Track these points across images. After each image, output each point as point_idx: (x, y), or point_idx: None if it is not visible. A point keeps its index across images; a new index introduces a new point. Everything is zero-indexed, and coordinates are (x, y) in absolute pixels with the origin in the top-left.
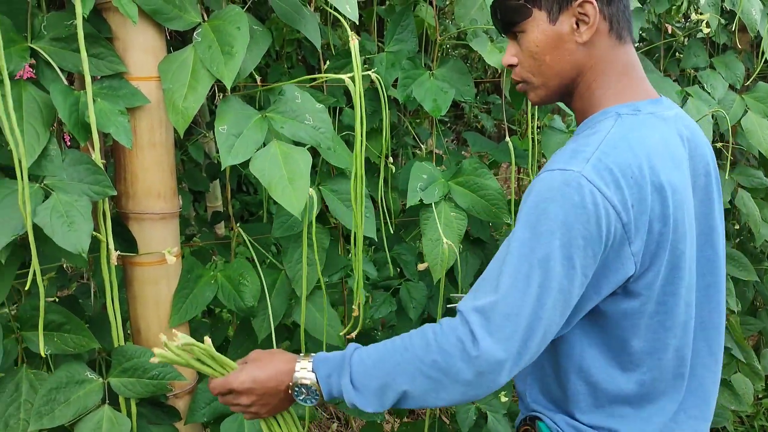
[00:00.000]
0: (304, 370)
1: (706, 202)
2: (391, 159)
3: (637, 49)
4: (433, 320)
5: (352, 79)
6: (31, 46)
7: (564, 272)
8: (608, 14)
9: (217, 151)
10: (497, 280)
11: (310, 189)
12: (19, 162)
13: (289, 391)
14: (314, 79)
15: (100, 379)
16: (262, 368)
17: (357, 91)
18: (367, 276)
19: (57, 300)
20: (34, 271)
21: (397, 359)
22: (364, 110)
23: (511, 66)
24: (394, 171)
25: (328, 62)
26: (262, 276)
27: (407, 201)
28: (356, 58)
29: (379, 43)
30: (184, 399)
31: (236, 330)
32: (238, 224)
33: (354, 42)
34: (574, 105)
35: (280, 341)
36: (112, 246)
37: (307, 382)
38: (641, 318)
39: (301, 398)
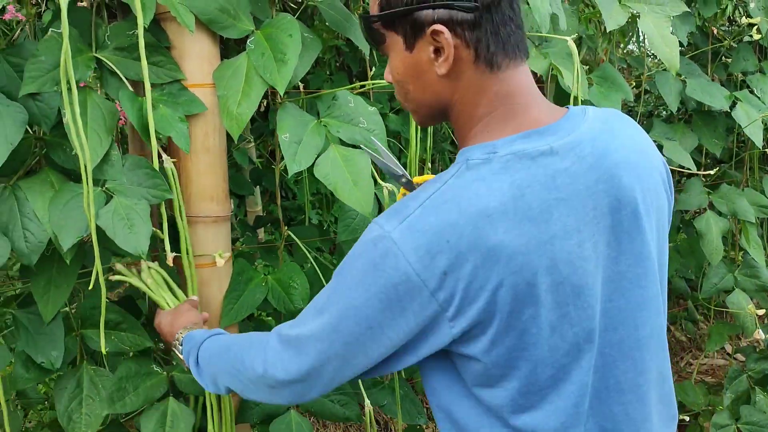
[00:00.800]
0: (177, 342)
1: (614, 245)
2: (429, 164)
3: (683, 53)
4: None
5: None
6: (96, 55)
7: (354, 330)
8: (471, 40)
9: (259, 156)
10: (305, 315)
11: (387, 184)
12: (85, 167)
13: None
14: (363, 86)
15: (165, 372)
16: (170, 321)
17: None
18: None
19: (112, 301)
20: (97, 271)
21: (224, 359)
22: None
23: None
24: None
25: (373, 68)
26: (320, 275)
27: None
28: None
29: None
30: (235, 398)
31: None
32: (286, 228)
33: None
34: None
35: None
36: (168, 247)
37: (177, 352)
38: (491, 375)
39: (178, 364)
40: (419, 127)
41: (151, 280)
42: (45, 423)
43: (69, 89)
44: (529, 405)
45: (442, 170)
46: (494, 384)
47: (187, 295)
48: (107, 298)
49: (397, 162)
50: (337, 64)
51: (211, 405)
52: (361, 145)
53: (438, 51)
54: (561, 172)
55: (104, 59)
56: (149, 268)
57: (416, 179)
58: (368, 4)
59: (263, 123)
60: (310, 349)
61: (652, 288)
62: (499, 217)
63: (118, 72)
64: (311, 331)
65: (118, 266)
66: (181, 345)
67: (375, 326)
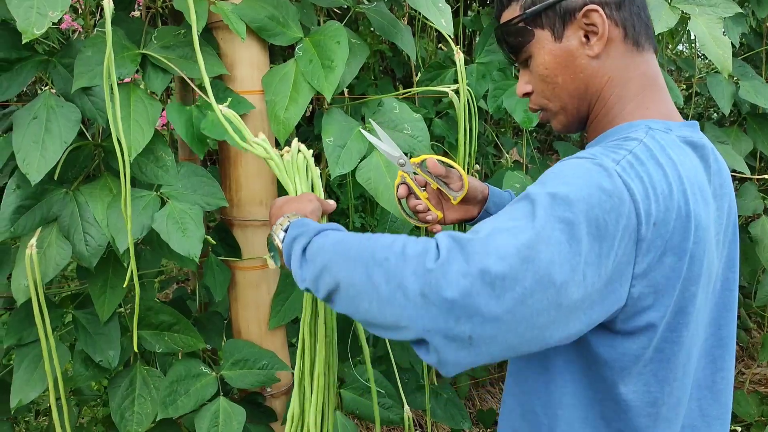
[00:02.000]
0: (279, 227)
1: (724, 245)
2: (477, 167)
3: (736, 54)
4: None
5: (456, 91)
6: (142, 51)
7: (567, 242)
8: (620, 20)
9: None
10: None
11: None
12: (124, 163)
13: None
14: (409, 92)
15: (213, 373)
16: (282, 204)
17: (462, 102)
18: None
19: (163, 302)
20: (131, 273)
21: (354, 245)
22: (466, 121)
23: (527, 94)
24: (479, 178)
25: (419, 74)
26: None
27: None
28: (461, 71)
29: (465, 54)
30: (281, 399)
31: None
32: None
33: (459, 56)
34: (588, 128)
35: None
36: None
37: (276, 240)
38: (635, 364)
39: (271, 254)
40: (469, 131)
41: (289, 162)
42: (98, 419)
43: (111, 89)
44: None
45: (486, 174)
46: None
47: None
48: (159, 299)
49: (395, 145)
50: (381, 69)
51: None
52: (361, 129)
53: (588, 35)
54: (708, 167)
55: (150, 54)
56: (299, 151)
57: (413, 160)
58: (413, 9)
59: (309, 128)
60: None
61: (735, 294)
62: (691, 189)
63: (163, 67)
64: (513, 241)
65: (262, 135)
66: (285, 229)
67: (582, 253)
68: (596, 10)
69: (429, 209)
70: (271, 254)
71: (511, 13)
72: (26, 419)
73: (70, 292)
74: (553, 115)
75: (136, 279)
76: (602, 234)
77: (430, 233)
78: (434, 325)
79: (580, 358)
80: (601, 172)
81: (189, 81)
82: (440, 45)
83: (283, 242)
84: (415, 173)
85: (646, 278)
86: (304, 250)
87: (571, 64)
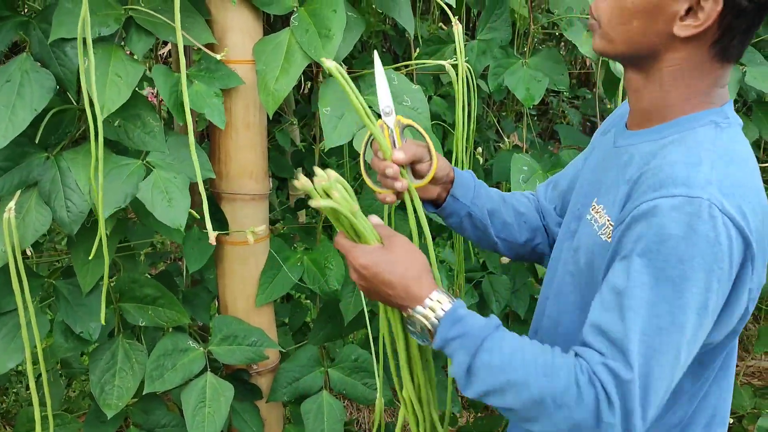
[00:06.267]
0: (431, 312)
1: None
2: (480, 149)
3: None
4: (517, 316)
5: (453, 66)
6: (129, 7)
7: (698, 322)
8: (726, 25)
9: (302, 140)
10: (626, 335)
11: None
12: (94, 118)
13: (403, 314)
14: (408, 65)
15: (201, 348)
16: (391, 269)
17: (460, 76)
18: (450, 267)
19: (151, 276)
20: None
21: (528, 380)
22: (465, 95)
23: None
24: (482, 162)
25: (417, 50)
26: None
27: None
28: (459, 44)
29: (467, 33)
30: (267, 377)
31: (318, 313)
32: None
33: (458, 27)
34: (636, 87)
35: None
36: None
37: (427, 325)
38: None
39: (410, 329)
40: (466, 111)
41: (350, 205)
42: (87, 393)
43: (84, 43)
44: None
45: (486, 157)
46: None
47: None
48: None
49: (389, 92)
50: (384, 50)
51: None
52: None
53: (690, 13)
54: None
55: (134, 15)
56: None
57: (400, 118)
58: None
59: (306, 105)
60: (668, 376)
61: None
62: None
63: (147, 29)
64: (657, 361)
65: (303, 179)
66: (437, 321)
67: (710, 312)
68: (718, 1)
69: (399, 177)
70: (411, 331)
71: None
72: (15, 390)
73: (58, 266)
74: (602, 35)
75: (105, 250)
76: (722, 282)
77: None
78: None
79: None
80: (701, 220)
81: (178, 45)
82: (441, 25)
83: (436, 332)
84: (392, 131)
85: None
86: (469, 367)
87: (654, 20)
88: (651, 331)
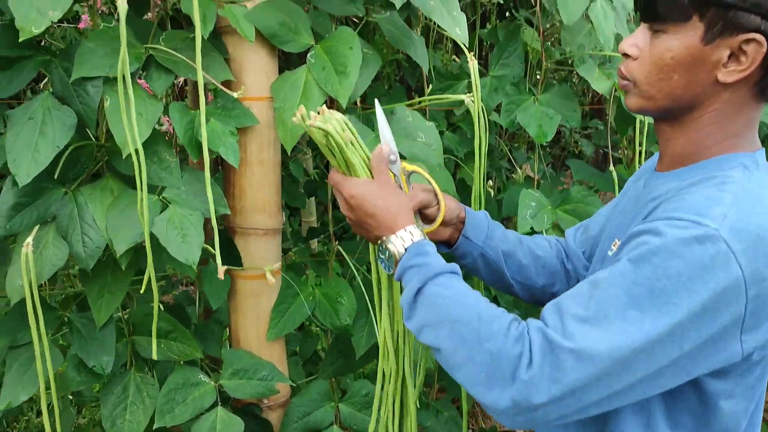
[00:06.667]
0: (401, 241)
1: None
2: (490, 182)
3: None
4: None
5: (472, 100)
6: (150, 46)
7: (666, 343)
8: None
9: (315, 168)
10: (580, 317)
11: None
12: (139, 166)
13: (376, 242)
14: (421, 101)
15: (212, 382)
16: (375, 200)
17: (476, 110)
18: None
19: (163, 307)
20: (149, 277)
21: (463, 318)
22: (482, 129)
23: (627, 56)
24: (492, 195)
25: (430, 86)
26: (364, 293)
27: (518, 228)
28: (476, 80)
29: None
30: (278, 412)
31: (329, 347)
32: (336, 242)
33: (473, 63)
34: (670, 136)
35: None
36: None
37: (395, 253)
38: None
39: (380, 257)
40: (483, 144)
41: (342, 134)
42: (96, 421)
43: (124, 82)
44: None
45: (499, 188)
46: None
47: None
48: (162, 301)
49: (393, 140)
50: (397, 78)
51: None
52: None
53: (732, 58)
54: None
55: (155, 54)
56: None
57: (405, 165)
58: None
59: None
60: (598, 363)
61: None
62: None
63: (167, 67)
64: (606, 346)
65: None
66: (404, 250)
67: (687, 339)
68: (762, 44)
69: None
70: (380, 258)
71: None
72: (26, 417)
73: (72, 293)
74: (638, 94)
75: (155, 286)
76: (706, 312)
77: None
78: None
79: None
80: (703, 247)
81: (199, 85)
82: (454, 58)
83: (400, 260)
84: (397, 178)
85: (758, 330)
86: (418, 292)
87: (695, 72)
88: (607, 326)
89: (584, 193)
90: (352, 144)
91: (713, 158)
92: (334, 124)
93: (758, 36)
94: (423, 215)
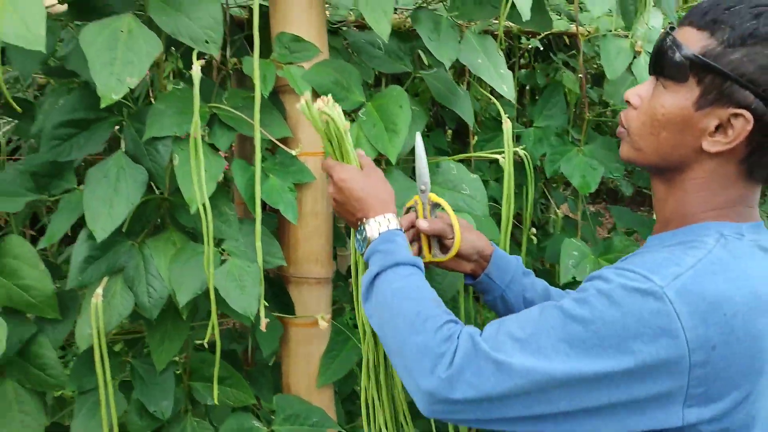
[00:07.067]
0: (378, 226)
1: None
2: (533, 230)
3: None
4: None
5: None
6: (213, 105)
7: (591, 385)
8: (756, 144)
9: None
10: (522, 340)
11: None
12: (207, 226)
13: (358, 223)
14: (465, 156)
15: (265, 428)
16: (363, 187)
17: (507, 170)
18: None
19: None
20: (213, 326)
21: (403, 310)
22: (512, 187)
23: (629, 104)
24: (536, 242)
25: (476, 138)
26: None
27: (560, 278)
28: (508, 141)
29: (520, 106)
30: None
31: None
32: None
33: (507, 125)
34: (662, 196)
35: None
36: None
37: (369, 236)
38: None
39: (357, 237)
40: (530, 198)
41: (343, 123)
42: None
43: (196, 148)
44: None
45: (533, 222)
46: None
47: None
48: (206, 347)
49: (426, 171)
50: (431, 114)
51: None
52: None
53: (719, 129)
54: None
55: (219, 112)
56: (330, 118)
57: (432, 197)
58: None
59: None
60: (516, 378)
61: None
62: (763, 305)
63: (230, 125)
64: (527, 366)
65: (308, 95)
66: (378, 234)
67: (615, 389)
68: (749, 121)
69: (420, 255)
70: (358, 237)
71: (691, 40)
72: None
73: (130, 338)
74: (630, 143)
75: (217, 335)
76: (643, 371)
77: None
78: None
79: None
80: (645, 298)
81: (255, 142)
82: (492, 99)
83: (372, 242)
84: (424, 205)
85: (712, 403)
86: (376, 276)
87: (683, 134)
88: (535, 350)
89: (626, 243)
90: (348, 134)
91: (694, 225)
92: (337, 112)
93: (747, 113)
94: (442, 245)
